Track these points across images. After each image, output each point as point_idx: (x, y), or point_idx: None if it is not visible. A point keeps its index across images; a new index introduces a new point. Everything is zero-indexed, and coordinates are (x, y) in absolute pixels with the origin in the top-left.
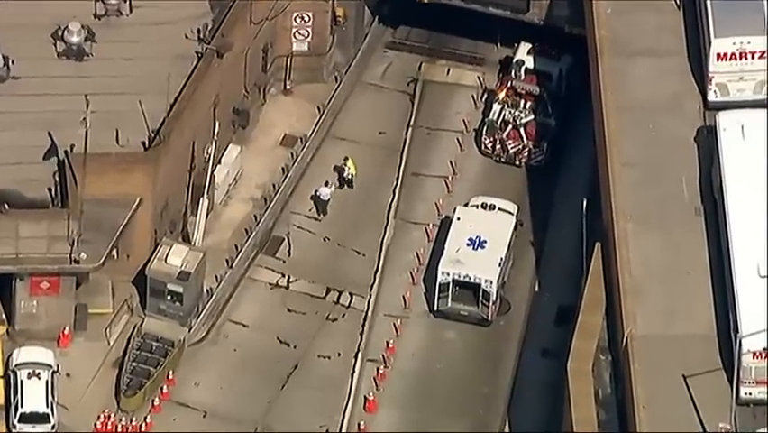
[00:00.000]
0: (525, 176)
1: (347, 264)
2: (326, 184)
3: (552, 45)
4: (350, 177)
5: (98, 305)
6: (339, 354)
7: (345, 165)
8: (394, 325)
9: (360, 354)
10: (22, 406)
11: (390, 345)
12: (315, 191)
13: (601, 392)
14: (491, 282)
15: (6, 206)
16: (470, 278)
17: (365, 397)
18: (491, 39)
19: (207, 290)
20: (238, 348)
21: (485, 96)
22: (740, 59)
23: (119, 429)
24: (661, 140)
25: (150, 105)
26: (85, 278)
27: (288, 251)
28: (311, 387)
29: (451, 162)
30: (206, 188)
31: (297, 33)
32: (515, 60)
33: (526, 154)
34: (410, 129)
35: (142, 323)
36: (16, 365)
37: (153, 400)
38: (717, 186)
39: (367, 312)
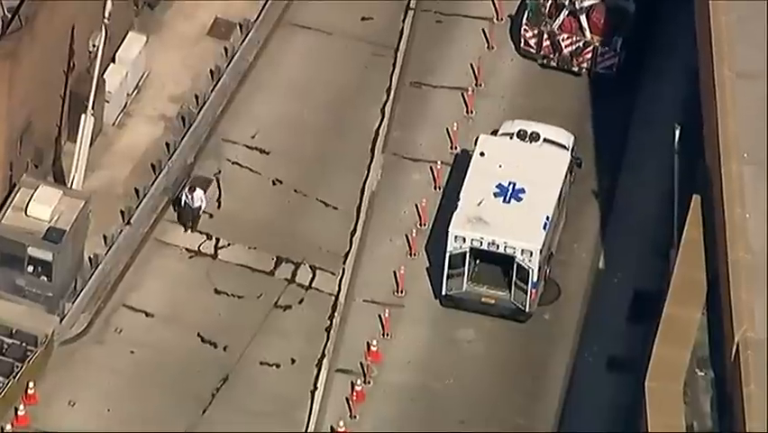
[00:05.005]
0: (586, 89)
1: (309, 222)
2: (192, 189)
3: None
4: None
5: None
6: (293, 361)
7: None
8: (380, 317)
9: (326, 362)
10: None
11: (373, 349)
12: (177, 197)
13: (697, 425)
14: (531, 254)
15: None
16: (498, 246)
17: (332, 428)
18: None
19: (90, 259)
20: (137, 350)
21: None
22: None
23: None
24: None
25: None
26: None
27: (218, 200)
28: (249, 411)
29: (472, 66)
30: (92, 100)
31: None
32: None
33: (589, 56)
34: (411, 13)
35: None
36: None
37: (3, 428)
38: None
39: (338, 297)
